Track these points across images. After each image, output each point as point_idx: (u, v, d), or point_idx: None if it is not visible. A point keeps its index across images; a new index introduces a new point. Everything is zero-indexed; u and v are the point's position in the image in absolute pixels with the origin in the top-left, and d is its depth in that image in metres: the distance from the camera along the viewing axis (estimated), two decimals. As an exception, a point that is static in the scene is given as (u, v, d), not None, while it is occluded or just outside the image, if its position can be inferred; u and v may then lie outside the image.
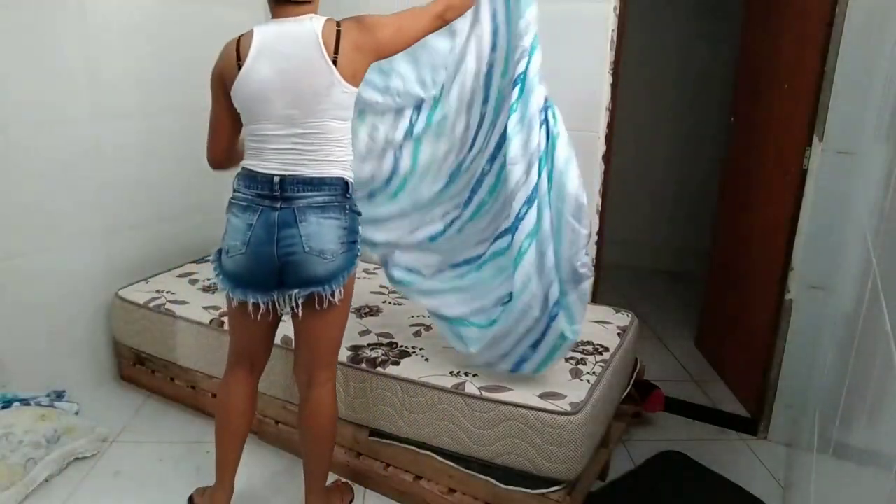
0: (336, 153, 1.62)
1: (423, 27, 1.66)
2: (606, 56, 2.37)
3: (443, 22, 1.69)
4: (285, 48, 1.56)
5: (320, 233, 1.57)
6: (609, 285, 3.04)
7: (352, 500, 2.01)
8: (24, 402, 2.26)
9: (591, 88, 2.41)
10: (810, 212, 2.24)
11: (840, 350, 1.50)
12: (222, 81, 1.65)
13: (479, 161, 1.89)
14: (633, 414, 2.39)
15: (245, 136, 1.70)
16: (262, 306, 1.64)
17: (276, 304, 1.65)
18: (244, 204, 1.61)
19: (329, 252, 1.59)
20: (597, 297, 2.63)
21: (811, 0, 2.20)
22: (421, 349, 2.10)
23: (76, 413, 2.36)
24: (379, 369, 2.00)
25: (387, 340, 2.17)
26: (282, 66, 1.55)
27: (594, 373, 1.93)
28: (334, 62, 1.53)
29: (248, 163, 1.65)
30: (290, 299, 1.62)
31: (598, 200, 2.51)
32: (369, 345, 2.14)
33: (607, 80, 2.40)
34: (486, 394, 1.83)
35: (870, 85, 1.96)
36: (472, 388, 1.86)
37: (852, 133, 2.08)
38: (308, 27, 1.55)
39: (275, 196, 1.58)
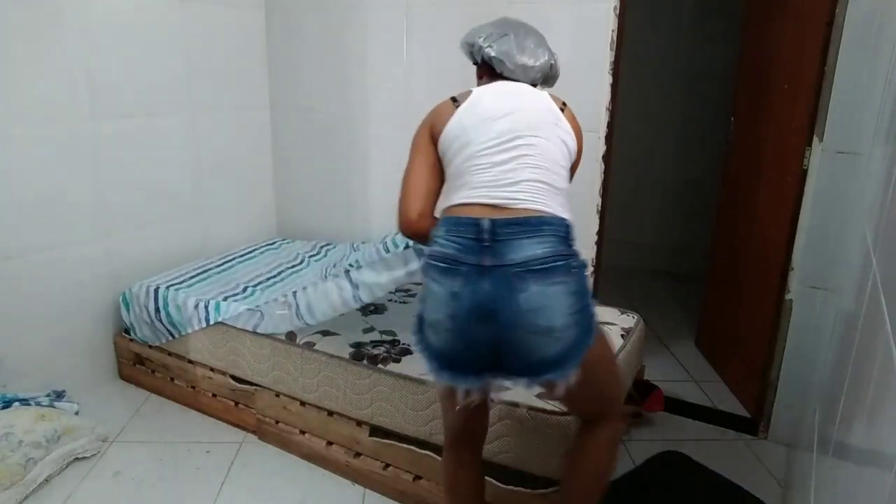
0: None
1: None
2: (606, 56, 2.37)
3: None
4: (511, 88, 1.48)
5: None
6: (609, 285, 3.04)
7: None
8: (24, 402, 2.26)
9: (591, 88, 2.41)
10: (810, 212, 2.23)
11: (840, 350, 1.49)
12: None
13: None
14: (633, 414, 2.39)
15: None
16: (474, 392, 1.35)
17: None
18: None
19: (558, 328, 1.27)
20: (596, 298, 2.63)
21: (811, 0, 2.20)
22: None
23: (76, 413, 2.35)
24: (380, 366, 2.00)
25: (389, 338, 2.17)
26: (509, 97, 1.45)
27: (594, 373, 1.93)
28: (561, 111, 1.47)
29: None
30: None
31: (598, 201, 2.51)
32: (372, 342, 2.14)
33: (607, 80, 2.40)
34: (485, 394, 1.83)
35: (870, 85, 1.96)
36: (471, 387, 1.86)
37: (852, 133, 2.08)
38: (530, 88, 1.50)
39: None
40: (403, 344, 2.13)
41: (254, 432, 2.35)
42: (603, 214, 2.54)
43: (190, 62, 2.84)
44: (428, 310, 1.32)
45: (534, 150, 1.37)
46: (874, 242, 1.21)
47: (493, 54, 1.50)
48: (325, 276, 2.13)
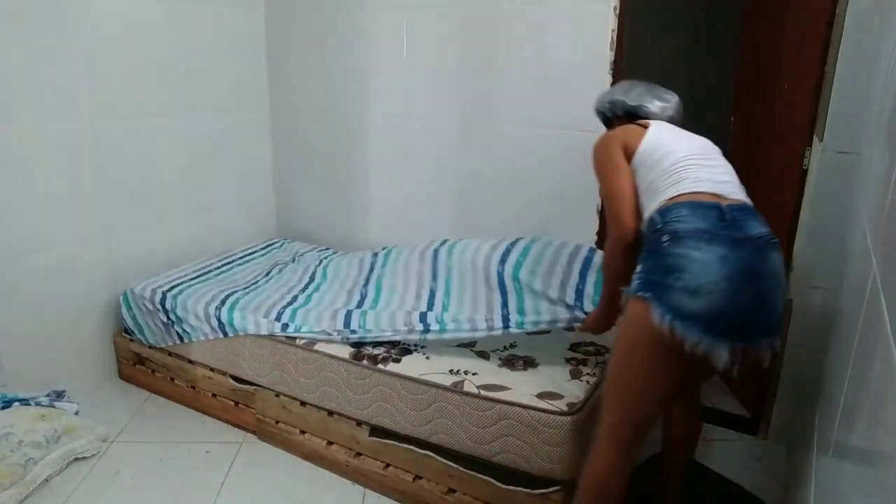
0: None
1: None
2: (606, 56, 2.38)
3: None
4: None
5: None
6: (609, 285, 3.03)
7: None
8: (24, 402, 2.27)
9: (591, 88, 2.41)
10: (810, 212, 2.23)
11: (840, 350, 1.50)
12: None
13: None
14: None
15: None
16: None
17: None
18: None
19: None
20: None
21: (811, 0, 2.20)
22: (422, 347, 2.10)
23: (76, 413, 2.36)
24: (380, 366, 2.00)
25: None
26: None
27: (594, 374, 1.93)
28: None
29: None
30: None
31: (598, 201, 2.51)
32: (372, 342, 2.14)
33: (607, 80, 2.40)
34: (484, 392, 1.83)
35: (870, 85, 1.96)
36: (470, 386, 1.86)
37: (852, 133, 2.08)
38: None
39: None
40: (403, 344, 2.13)
41: (254, 432, 2.35)
42: (603, 214, 2.54)
43: (190, 62, 2.84)
44: (691, 277, 1.36)
45: (722, 164, 1.65)
46: (874, 242, 1.21)
47: (635, 103, 1.81)
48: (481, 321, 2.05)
